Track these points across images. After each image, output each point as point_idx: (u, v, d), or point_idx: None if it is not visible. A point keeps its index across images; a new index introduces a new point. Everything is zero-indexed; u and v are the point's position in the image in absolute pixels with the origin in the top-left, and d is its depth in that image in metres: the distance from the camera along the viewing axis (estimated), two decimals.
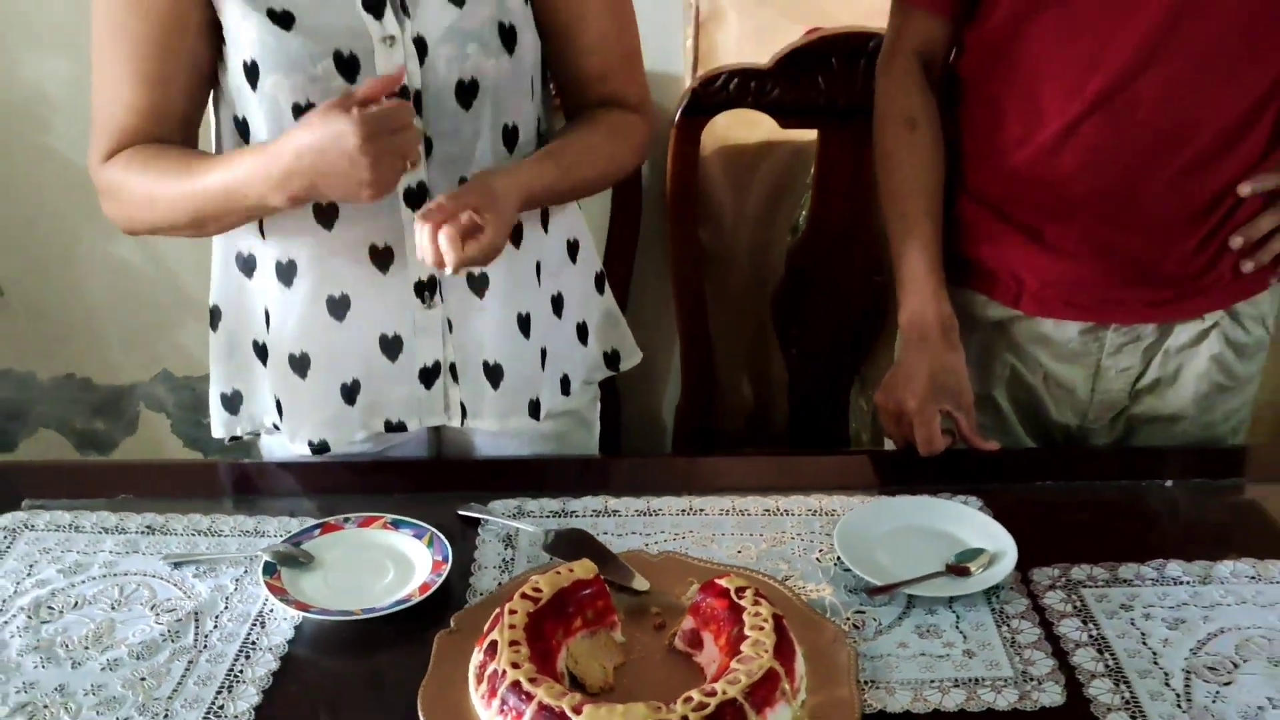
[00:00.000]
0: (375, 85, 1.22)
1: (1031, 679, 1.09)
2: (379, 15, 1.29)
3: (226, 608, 1.20)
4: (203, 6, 1.30)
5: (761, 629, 1.05)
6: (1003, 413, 1.63)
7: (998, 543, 1.25)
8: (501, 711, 1.00)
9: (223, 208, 1.30)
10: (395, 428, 1.48)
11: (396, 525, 1.30)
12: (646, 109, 1.51)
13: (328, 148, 1.19)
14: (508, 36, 1.35)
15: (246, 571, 1.25)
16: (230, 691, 1.09)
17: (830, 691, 1.06)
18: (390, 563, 1.25)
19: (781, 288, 2.10)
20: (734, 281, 2.19)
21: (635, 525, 1.33)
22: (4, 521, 1.34)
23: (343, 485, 1.45)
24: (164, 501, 1.39)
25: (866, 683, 1.09)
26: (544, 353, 1.50)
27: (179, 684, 1.10)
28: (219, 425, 1.51)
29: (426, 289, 1.41)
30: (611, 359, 1.62)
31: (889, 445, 1.59)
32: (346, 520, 1.31)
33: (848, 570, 1.23)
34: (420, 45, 1.31)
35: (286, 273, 1.40)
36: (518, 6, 1.36)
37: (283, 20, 1.27)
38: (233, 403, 1.50)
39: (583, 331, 1.57)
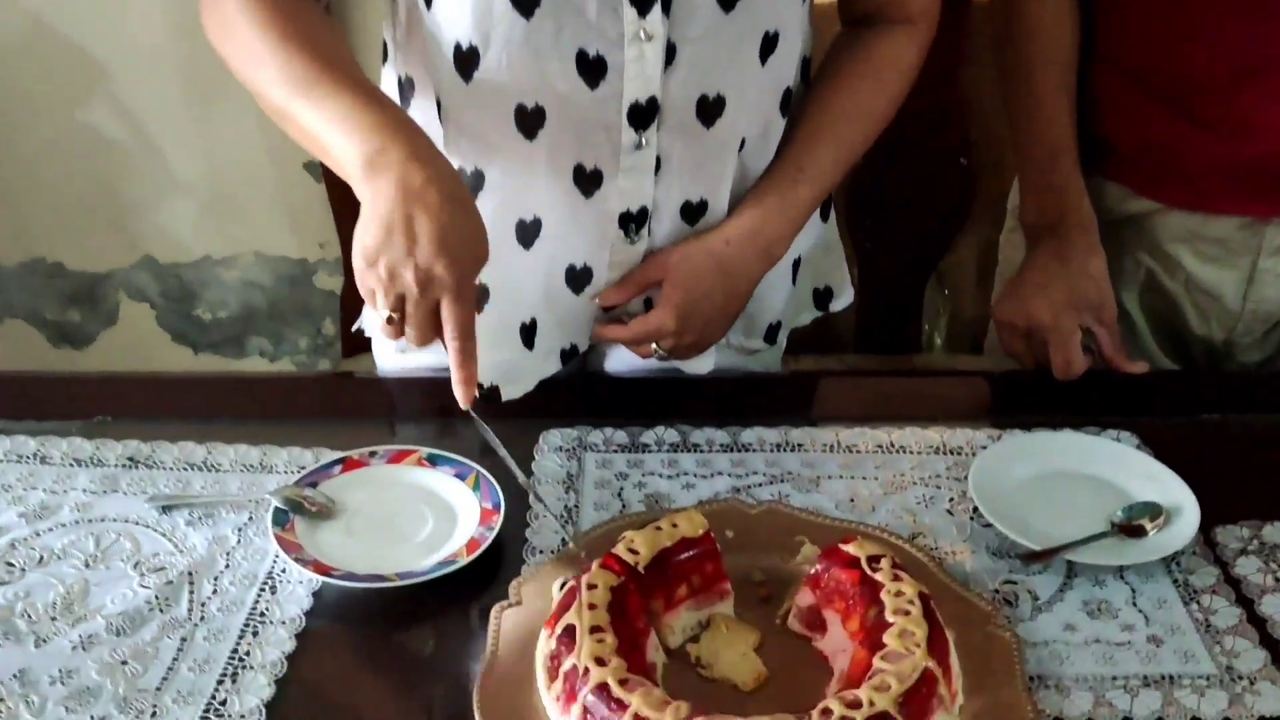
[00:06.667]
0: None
1: (1240, 677, 0.87)
2: None
3: (228, 566, 0.97)
4: None
5: (907, 613, 0.83)
6: (1134, 325, 1.39)
7: (1170, 494, 1.02)
8: None
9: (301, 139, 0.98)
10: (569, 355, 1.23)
11: (434, 461, 1.07)
12: (929, 17, 1.19)
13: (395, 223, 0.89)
14: None
15: (251, 519, 1.02)
16: (235, 682, 0.86)
17: (993, 694, 0.84)
18: (429, 511, 1.02)
19: (856, 172, 1.84)
20: None
21: (721, 464, 1.10)
22: None
23: (370, 407, 1.22)
24: (150, 425, 1.15)
25: (1032, 679, 0.87)
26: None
27: (170, 670, 0.87)
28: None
29: (633, 220, 1.14)
30: (822, 296, 1.36)
31: (988, 357, 1.36)
32: (373, 455, 1.07)
33: (989, 526, 1.00)
34: None
35: (473, 185, 1.12)
36: None
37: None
38: None
39: (795, 266, 1.29)
